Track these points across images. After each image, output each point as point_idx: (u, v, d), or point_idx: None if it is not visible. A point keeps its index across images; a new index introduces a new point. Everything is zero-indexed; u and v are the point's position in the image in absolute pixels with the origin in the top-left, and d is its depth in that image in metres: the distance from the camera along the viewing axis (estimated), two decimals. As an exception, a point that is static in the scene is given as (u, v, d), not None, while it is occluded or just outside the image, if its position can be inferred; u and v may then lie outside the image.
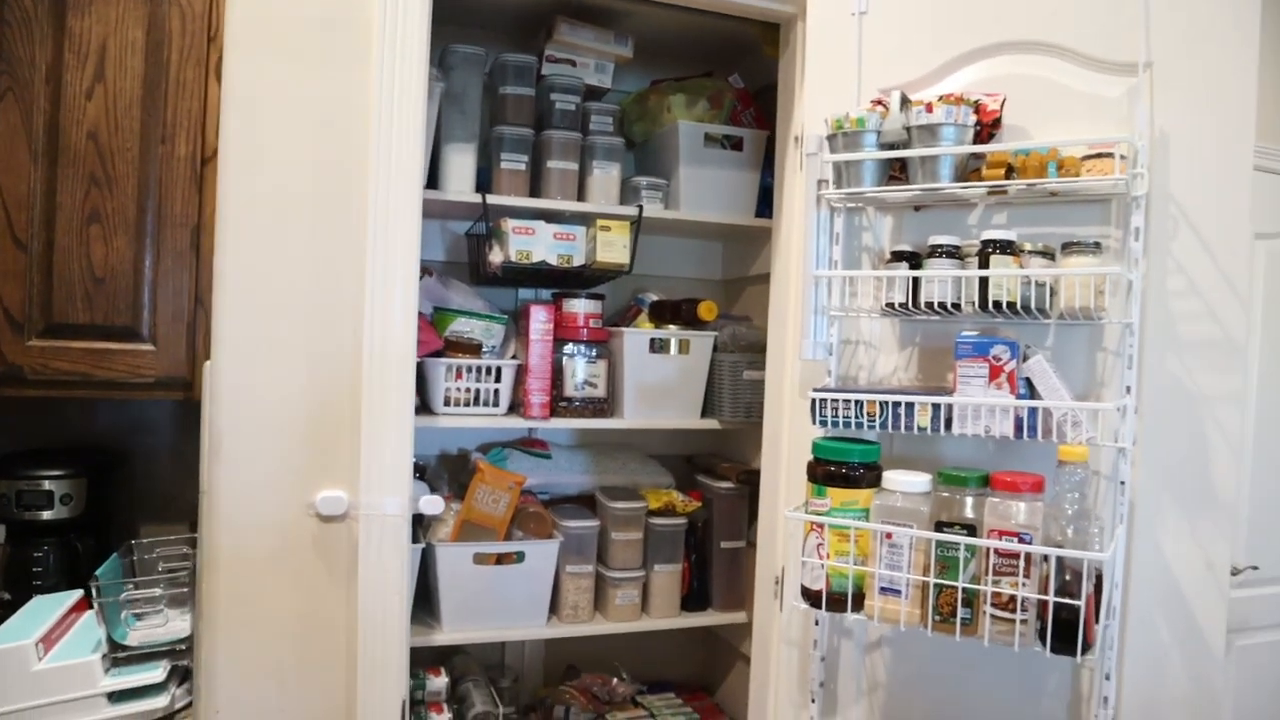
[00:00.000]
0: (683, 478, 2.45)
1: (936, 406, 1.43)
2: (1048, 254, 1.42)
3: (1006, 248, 1.41)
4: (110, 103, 1.69)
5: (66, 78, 1.67)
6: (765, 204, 2.25)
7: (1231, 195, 1.43)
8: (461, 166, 2.03)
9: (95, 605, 1.50)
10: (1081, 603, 1.30)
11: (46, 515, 1.77)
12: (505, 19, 2.23)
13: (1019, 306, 1.40)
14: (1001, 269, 1.40)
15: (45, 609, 1.59)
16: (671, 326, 2.24)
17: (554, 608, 2.15)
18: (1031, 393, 1.42)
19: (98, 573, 1.53)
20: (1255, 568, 2.36)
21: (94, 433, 2.07)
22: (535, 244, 2.01)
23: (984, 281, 1.41)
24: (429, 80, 1.65)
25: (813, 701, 1.68)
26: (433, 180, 2.01)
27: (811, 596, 1.50)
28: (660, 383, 2.19)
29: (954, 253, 1.47)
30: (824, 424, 1.52)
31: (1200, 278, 1.44)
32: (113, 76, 1.69)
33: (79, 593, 1.67)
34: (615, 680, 2.30)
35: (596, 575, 2.17)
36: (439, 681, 2.06)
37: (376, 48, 1.55)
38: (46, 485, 1.77)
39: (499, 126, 2.08)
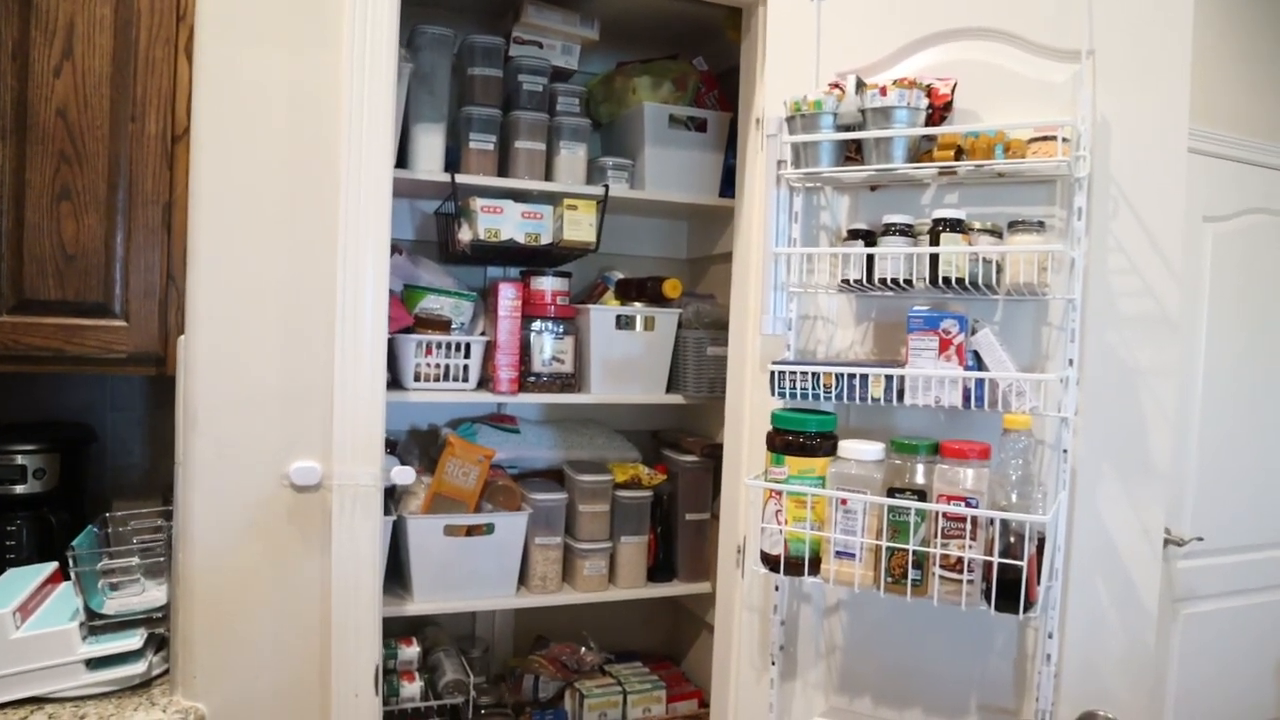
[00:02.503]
0: (649, 452, 2.51)
1: (889, 378, 1.50)
2: (995, 232, 1.49)
3: (956, 226, 1.48)
4: (79, 80, 1.69)
5: (34, 54, 1.67)
6: (729, 184, 2.30)
7: (1167, 177, 1.50)
8: (430, 146, 2.07)
9: (72, 575, 1.52)
10: (1024, 563, 1.37)
11: (19, 489, 1.78)
12: (473, 0, 2.26)
13: (968, 282, 1.46)
14: (951, 246, 1.46)
15: (21, 580, 1.61)
16: (637, 304, 2.29)
17: (523, 579, 2.21)
18: (979, 365, 1.48)
19: (74, 543, 1.56)
20: (1201, 539, 2.43)
21: (67, 408, 2.08)
22: (503, 222, 2.05)
23: (934, 258, 1.47)
24: (398, 61, 1.68)
25: (773, 664, 1.74)
26: (402, 160, 2.04)
27: (770, 561, 1.56)
28: (626, 358, 2.24)
29: (907, 231, 1.53)
30: (783, 396, 1.58)
31: (1139, 256, 1.51)
32: (81, 54, 1.69)
33: (54, 565, 1.69)
34: (583, 649, 2.35)
35: (565, 547, 2.23)
36: (411, 651, 2.11)
37: (347, 28, 1.58)
38: (19, 459, 1.78)
39: (467, 107, 2.12)
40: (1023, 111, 1.55)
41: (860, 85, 1.55)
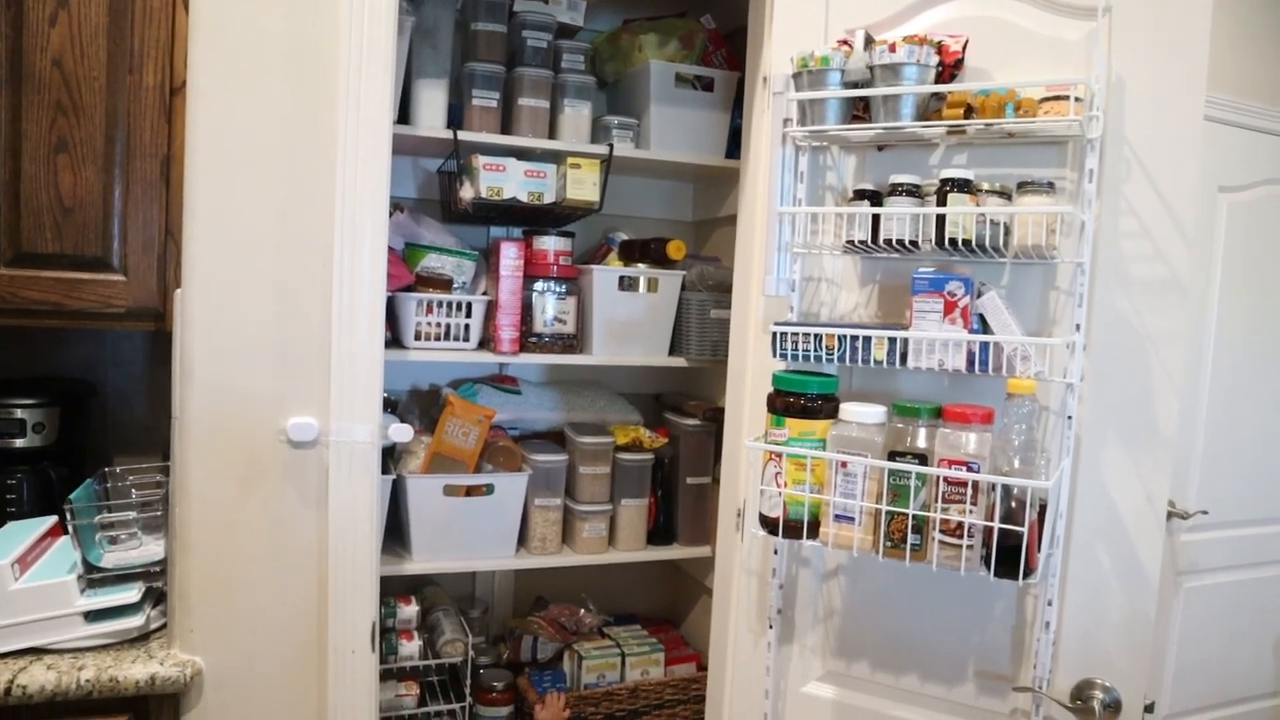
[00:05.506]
0: (651, 415, 2.50)
1: (893, 340, 1.47)
2: (1004, 193, 1.45)
3: (964, 186, 1.44)
4: (75, 29, 1.67)
5: (28, 2, 1.65)
6: (736, 145, 2.27)
7: (1182, 140, 1.46)
8: (433, 102, 2.04)
9: (70, 528, 1.53)
10: (1024, 529, 1.35)
11: (19, 443, 1.78)
12: (477, -47, 2.21)
13: (975, 244, 1.43)
14: (958, 207, 1.43)
15: (20, 533, 1.61)
16: (640, 265, 2.26)
17: (522, 540, 2.21)
18: (984, 328, 1.45)
19: (71, 497, 1.56)
20: (1205, 512, 2.42)
21: (67, 364, 2.08)
22: (506, 180, 2.03)
23: (941, 219, 1.44)
24: (399, 15, 1.65)
25: (770, 628, 1.74)
26: (404, 116, 2.01)
27: (769, 524, 1.55)
28: (628, 320, 2.22)
29: (914, 191, 1.50)
30: (784, 357, 1.55)
31: (1151, 220, 1.48)
32: (76, 3, 1.67)
33: (53, 518, 1.70)
34: (582, 611, 2.36)
35: (564, 508, 2.23)
36: (409, 610, 2.12)
37: (345, -23, 1.55)
38: (19, 414, 1.78)
39: (470, 63, 2.09)
40: (1035, 70, 1.50)
41: (869, 41, 1.52)
